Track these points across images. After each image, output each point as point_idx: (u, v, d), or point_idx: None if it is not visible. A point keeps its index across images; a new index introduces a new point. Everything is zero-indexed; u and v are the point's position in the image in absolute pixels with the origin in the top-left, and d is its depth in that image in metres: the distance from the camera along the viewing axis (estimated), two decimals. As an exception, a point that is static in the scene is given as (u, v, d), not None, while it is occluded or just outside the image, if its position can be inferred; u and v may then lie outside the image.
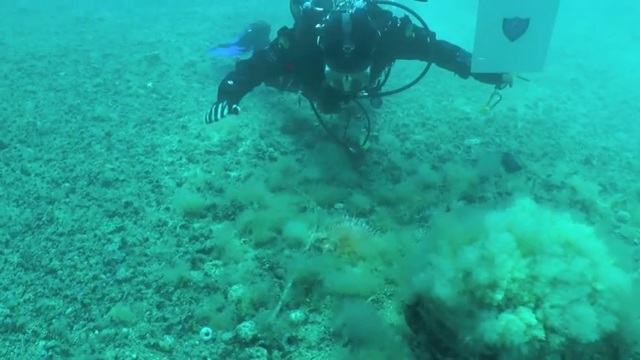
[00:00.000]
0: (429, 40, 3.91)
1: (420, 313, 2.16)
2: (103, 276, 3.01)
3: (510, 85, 3.91)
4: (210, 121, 3.50)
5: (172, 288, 2.93)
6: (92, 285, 2.93)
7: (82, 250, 3.20)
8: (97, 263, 3.11)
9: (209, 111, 3.57)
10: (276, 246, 3.30)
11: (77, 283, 2.94)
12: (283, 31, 4.01)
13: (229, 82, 3.83)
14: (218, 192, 3.94)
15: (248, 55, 6.12)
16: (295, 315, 2.76)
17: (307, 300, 2.88)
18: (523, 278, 2.04)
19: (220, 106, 3.53)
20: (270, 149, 4.64)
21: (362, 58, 3.50)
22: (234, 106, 3.52)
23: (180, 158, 4.39)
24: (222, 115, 3.48)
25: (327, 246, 3.28)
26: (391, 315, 2.80)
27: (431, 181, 4.02)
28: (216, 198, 3.83)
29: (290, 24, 4.63)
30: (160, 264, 3.14)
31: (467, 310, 2.06)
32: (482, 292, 2.04)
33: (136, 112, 5.14)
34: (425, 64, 3.94)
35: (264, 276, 3.05)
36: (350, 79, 3.59)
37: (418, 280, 2.17)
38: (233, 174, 4.23)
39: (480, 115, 5.38)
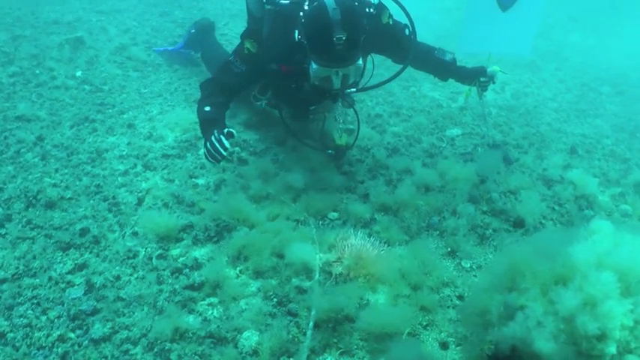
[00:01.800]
0: (407, 33, 3.52)
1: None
2: (72, 335, 2.37)
3: (494, 82, 3.71)
4: (219, 161, 3.08)
5: (168, 343, 2.35)
6: (60, 350, 2.29)
7: (36, 301, 2.51)
8: (59, 317, 2.44)
9: (206, 150, 3.08)
10: (280, 274, 2.80)
11: (38, 350, 2.28)
12: (247, 34, 3.49)
13: (206, 108, 3.27)
14: (189, 207, 3.35)
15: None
16: (327, 364, 2.32)
17: (334, 341, 2.44)
18: (631, 325, 1.74)
19: (214, 139, 3.00)
20: (237, 149, 4.07)
21: (354, 49, 3.05)
22: (226, 130, 3.02)
23: (135, 165, 3.70)
24: (225, 149, 3.00)
25: (339, 269, 2.84)
26: (433, 349, 2.44)
27: (429, 182, 3.68)
28: (190, 215, 3.25)
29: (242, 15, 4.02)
30: (142, 310, 2.54)
31: (572, 365, 1.73)
32: (589, 343, 1.72)
33: (68, 109, 4.30)
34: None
35: (276, 315, 2.56)
36: (340, 74, 3.13)
37: (510, 332, 1.80)
38: (200, 182, 3.64)
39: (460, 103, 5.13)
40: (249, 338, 2.39)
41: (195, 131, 4.27)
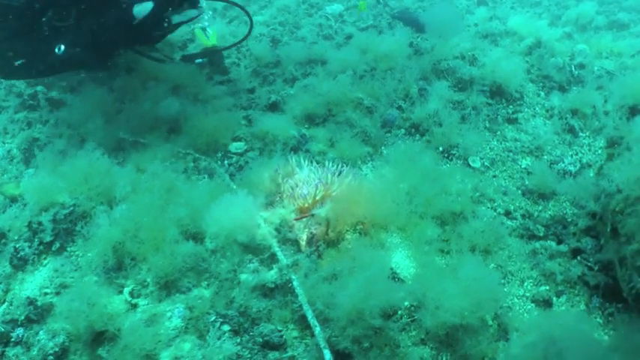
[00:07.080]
0: None
1: None
2: None
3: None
4: None
5: None
6: None
7: None
8: None
9: None
10: (214, 272, 1.46)
11: None
12: None
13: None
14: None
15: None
16: None
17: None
18: None
19: None
20: (39, 87, 2.43)
21: None
22: None
23: None
24: None
25: (308, 230, 1.59)
26: (533, 316, 1.42)
27: (351, 65, 2.51)
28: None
29: None
30: None
31: None
32: None
33: None
34: None
35: None
36: None
37: None
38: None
39: None
40: None
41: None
